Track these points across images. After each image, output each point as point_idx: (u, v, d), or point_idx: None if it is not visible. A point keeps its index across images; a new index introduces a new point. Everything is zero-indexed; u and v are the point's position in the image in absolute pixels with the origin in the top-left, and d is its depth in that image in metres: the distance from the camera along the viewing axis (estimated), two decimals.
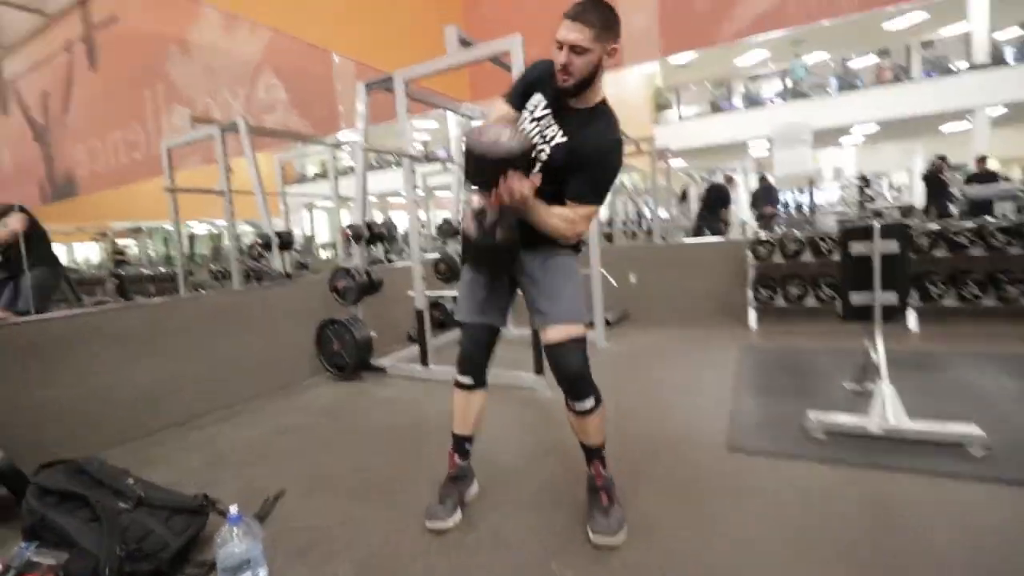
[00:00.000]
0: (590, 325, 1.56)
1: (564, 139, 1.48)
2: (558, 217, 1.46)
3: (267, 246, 3.64)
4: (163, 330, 2.69)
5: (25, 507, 1.40)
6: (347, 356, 3.29)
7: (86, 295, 7.12)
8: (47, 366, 2.25)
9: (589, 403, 1.53)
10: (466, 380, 1.68)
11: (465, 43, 3.10)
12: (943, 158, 6.66)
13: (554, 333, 1.52)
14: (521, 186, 1.34)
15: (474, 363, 1.67)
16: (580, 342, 1.53)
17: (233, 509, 1.39)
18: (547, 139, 1.50)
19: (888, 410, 2.02)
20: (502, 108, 1.59)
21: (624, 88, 11.51)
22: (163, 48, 7.11)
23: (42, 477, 1.47)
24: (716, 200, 7.82)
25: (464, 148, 1.38)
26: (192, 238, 12.40)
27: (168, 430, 2.61)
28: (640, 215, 9.38)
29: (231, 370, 2.98)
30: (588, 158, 1.46)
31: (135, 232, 11.47)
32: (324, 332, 3.37)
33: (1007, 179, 8.84)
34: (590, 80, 1.45)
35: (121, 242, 13.19)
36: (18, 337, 2.18)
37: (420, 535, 1.58)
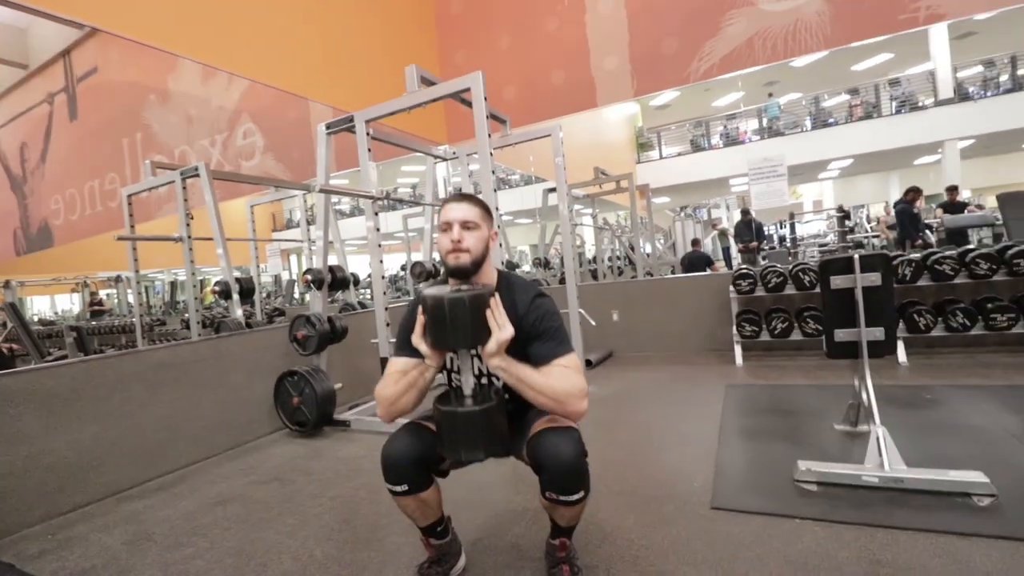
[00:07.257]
0: None
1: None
2: (557, 373, 1.26)
3: (226, 295, 3.45)
4: (97, 391, 2.44)
5: None
6: (307, 410, 3.06)
7: (56, 348, 6.84)
8: None
9: (578, 495, 1.25)
10: (399, 488, 1.32)
11: (428, 83, 3.03)
12: (916, 189, 6.69)
13: (541, 421, 1.31)
14: (506, 329, 1.23)
15: (405, 472, 1.31)
16: (572, 425, 1.31)
17: None
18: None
19: (884, 457, 1.84)
20: (398, 364, 1.37)
21: (606, 129, 11.70)
22: (142, 98, 7.12)
23: None
24: (694, 266, 7.72)
25: (422, 309, 1.25)
26: (175, 285, 12.14)
27: (96, 504, 2.33)
28: (627, 253, 9.33)
29: (174, 431, 2.72)
30: (533, 325, 1.35)
31: (115, 281, 11.21)
32: (282, 385, 3.14)
33: (980, 207, 8.91)
34: (482, 260, 1.38)
35: (102, 292, 12.90)
36: None
37: None
